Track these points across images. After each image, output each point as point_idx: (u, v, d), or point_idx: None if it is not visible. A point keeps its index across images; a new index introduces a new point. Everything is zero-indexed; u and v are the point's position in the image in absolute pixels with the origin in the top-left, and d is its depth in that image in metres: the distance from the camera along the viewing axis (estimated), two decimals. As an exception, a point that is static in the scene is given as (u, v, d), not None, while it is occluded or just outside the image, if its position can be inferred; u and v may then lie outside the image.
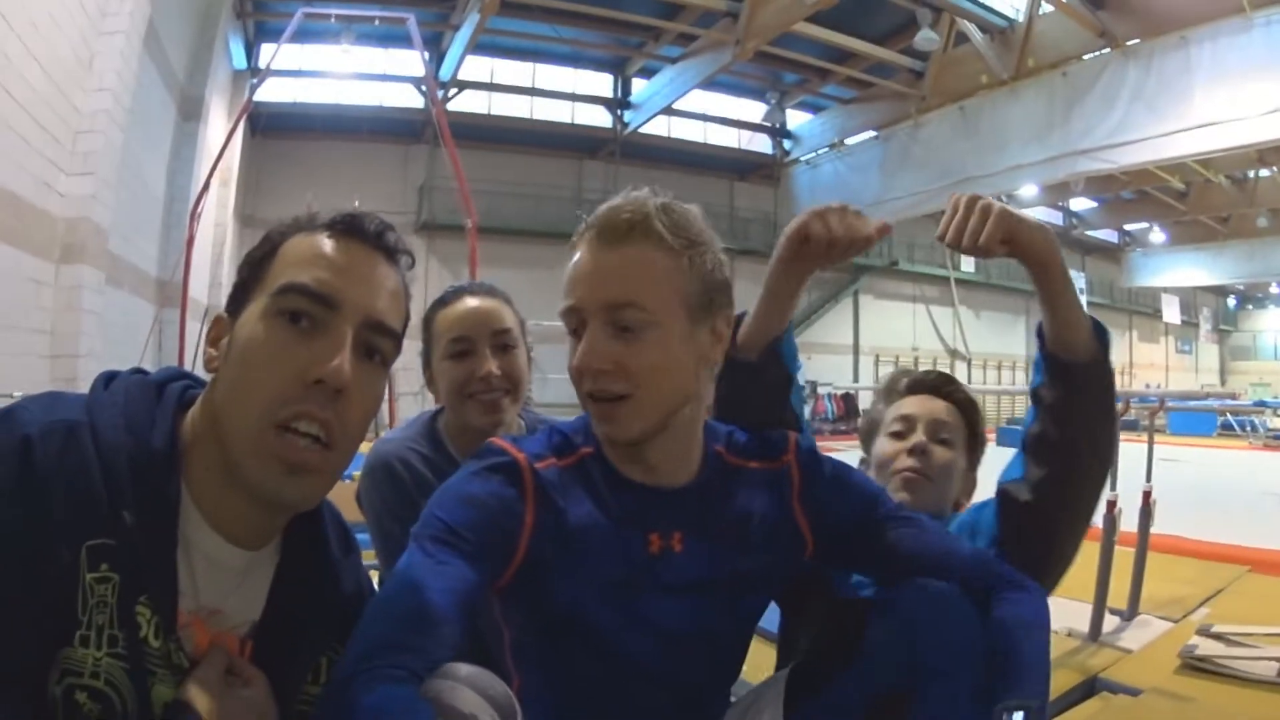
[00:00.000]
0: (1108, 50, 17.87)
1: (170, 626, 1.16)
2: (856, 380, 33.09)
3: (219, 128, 17.16)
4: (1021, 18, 20.58)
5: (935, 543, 1.63)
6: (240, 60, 21.25)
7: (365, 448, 1.85)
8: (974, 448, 2.18)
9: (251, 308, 1.25)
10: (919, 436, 2.08)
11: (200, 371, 1.39)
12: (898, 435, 2.13)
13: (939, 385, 2.19)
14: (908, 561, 1.60)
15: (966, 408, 2.18)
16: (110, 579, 1.12)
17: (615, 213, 1.51)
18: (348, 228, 1.30)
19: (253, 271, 1.29)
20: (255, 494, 1.22)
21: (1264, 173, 28.35)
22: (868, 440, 2.26)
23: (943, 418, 2.12)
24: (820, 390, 28.68)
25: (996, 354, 38.75)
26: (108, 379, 1.27)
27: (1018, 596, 1.56)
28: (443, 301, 2.45)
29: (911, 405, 2.15)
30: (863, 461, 2.26)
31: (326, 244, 1.28)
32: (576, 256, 1.53)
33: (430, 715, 1.15)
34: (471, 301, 2.40)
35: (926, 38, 19.94)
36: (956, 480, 2.12)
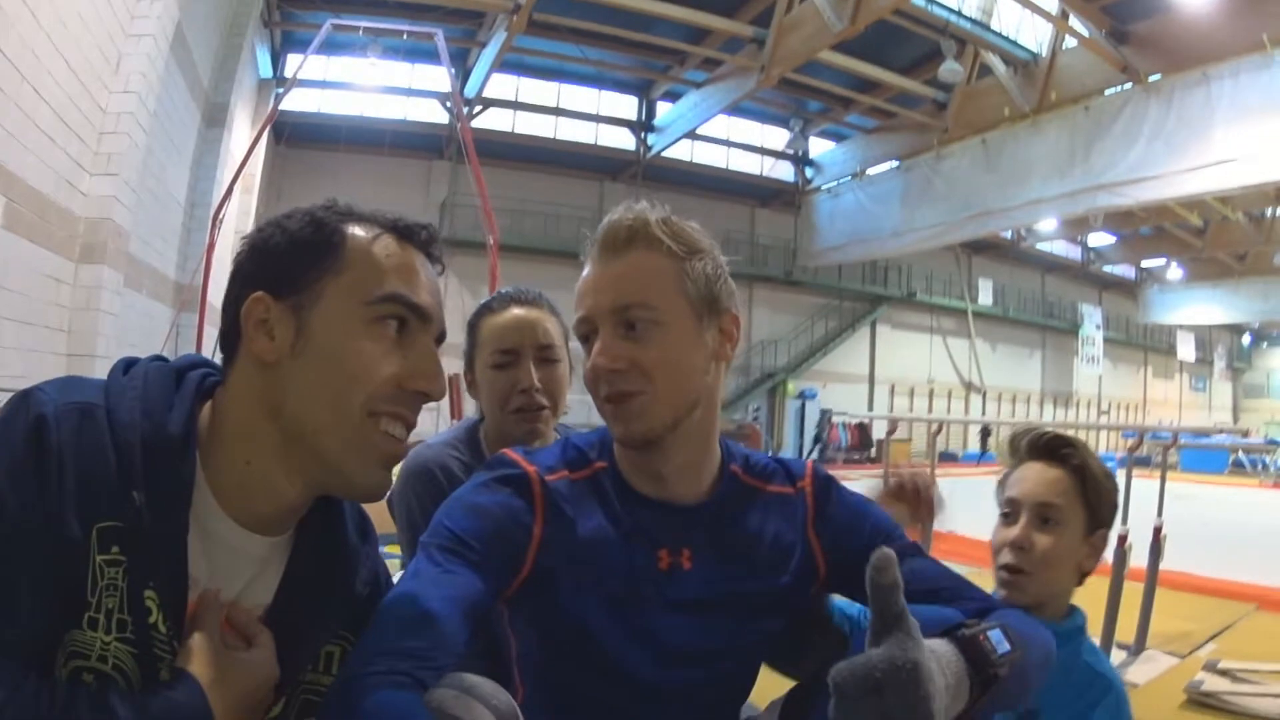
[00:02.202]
0: (1130, 85, 17.90)
1: (177, 612, 1.16)
2: (871, 409, 33.13)
3: (243, 135, 17.27)
4: (1045, 51, 20.76)
5: (943, 581, 1.60)
6: (266, 69, 21.35)
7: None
8: (1093, 514, 2.03)
9: (335, 306, 1.25)
10: (1021, 526, 2.00)
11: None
12: (1006, 518, 2.06)
13: (1051, 449, 2.06)
14: (917, 596, 1.48)
15: (1081, 473, 2.03)
16: (120, 561, 1.11)
17: (617, 223, 1.55)
18: (410, 235, 1.34)
19: (312, 257, 1.27)
20: (342, 488, 1.27)
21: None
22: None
23: (1048, 498, 2.00)
24: (835, 419, 28.67)
25: (1011, 387, 38.81)
26: (127, 365, 1.27)
27: (1024, 615, 1.54)
28: (489, 308, 2.47)
29: (1020, 482, 2.06)
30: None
31: (411, 255, 1.32)
32: (583, 273, 1.58)
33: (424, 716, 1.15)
34: (518, 311, 2.41)
35: (950, 69, 19.98)
36: (1067, 559, 2.00)
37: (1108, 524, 2.06)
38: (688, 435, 1.57)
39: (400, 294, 1.26)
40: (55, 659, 1.08)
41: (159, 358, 1.32)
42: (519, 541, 1.50)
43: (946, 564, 1.66)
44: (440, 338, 1.34)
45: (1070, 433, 2.15)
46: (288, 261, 1.27)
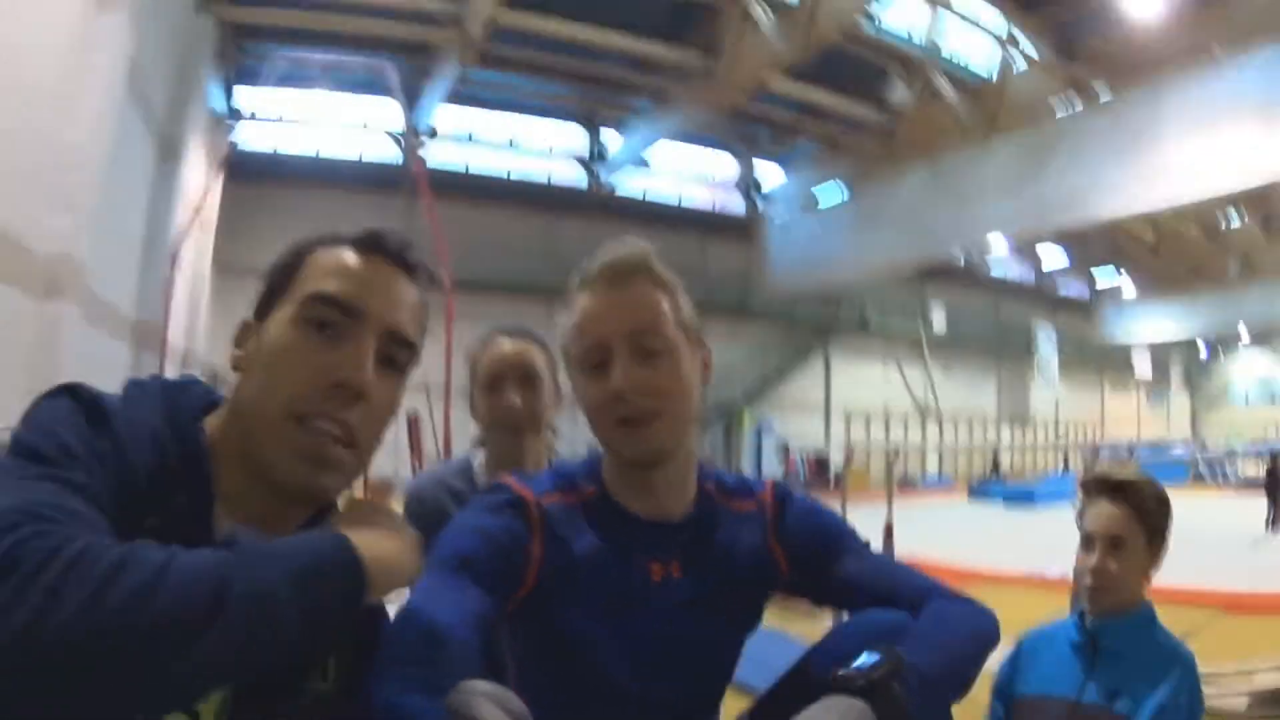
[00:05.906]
0: (1079, 104, 18.12)
1: None
2: (828, 440, 33.17)
3: (197, 169, 17.18)
4: (995, 73, 21.09)
5: (890, 572, 1.73)
6: (220, 103, 21.19)
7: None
8: (1151, 532, 2.44)
9: (279, 313, 1.31)
10: (1097, 557, 2.41)
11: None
12: (1086, 547, 2.46)
13: (1115, 489, 2.47)
14: (864, 589, 1.69)
15: (1138, 505, 2.44)
16: None
17: (620, 258, 1.65)
18: (372, 243, 1.37)
19: (279, 279, 1.35)
20: (279, 487, 1.27)
21: (1234, 220, 28.94)
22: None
23: (1117, 531, 2.41)
24: (792, 450, 28.76)
25: (967, 410, 39.21)
26: (136, 383, 1.32)
27: (955, 600, 1.65)
28: (483, 344, 2.79)
29: (1093, 517, 2.47)
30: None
31: (352, 257, 1.34)
32: (584, 303, 1.65)
33: (440, 715, 1.19)
34: (505, 343, 2.74)
35: (899, 94, 20.17)
36: (1136, 572, 2.42)
37: (1164, 534, 2.47)
38: (681, 457, 1.68)
39: (324, 292, 1.29)
40: None
41: (157, 378, 1.36)
42: (519, 562, 1.56)
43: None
44: (397, 338, 1.34)
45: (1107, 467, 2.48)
46: (267, 286, 1.36)
